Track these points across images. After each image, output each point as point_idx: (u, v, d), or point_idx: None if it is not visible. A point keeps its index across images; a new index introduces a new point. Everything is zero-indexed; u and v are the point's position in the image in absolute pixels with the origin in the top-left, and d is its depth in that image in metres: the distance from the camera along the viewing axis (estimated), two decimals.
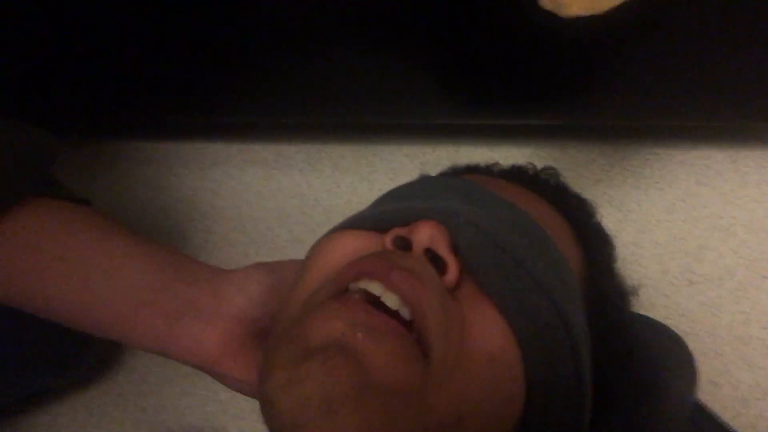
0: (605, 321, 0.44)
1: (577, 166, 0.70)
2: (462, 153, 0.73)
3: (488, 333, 0.36)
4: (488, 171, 0.53)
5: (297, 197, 0.76)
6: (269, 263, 0.49)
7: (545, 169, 0.54)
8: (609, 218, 0.67)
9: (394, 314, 0.35)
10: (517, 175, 0.51)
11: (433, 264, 0.37)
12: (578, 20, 0.45)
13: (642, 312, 0.57)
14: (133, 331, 0.48)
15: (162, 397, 0.72)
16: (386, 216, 0.41)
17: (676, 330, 0.55)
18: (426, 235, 0.37)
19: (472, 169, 0.53)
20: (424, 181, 0.48)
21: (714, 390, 0.59)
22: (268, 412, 0.33)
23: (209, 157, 0.80)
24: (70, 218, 0.49)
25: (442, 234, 0.37)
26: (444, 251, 0.37)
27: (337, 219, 0.43)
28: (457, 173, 0.53)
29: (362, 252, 0.38)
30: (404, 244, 0.38)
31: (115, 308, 0.47)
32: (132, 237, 0.49)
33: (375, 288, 0.35)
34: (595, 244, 0.48)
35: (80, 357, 0.69)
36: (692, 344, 0.57)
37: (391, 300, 0.35)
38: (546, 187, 0.50)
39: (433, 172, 0.54)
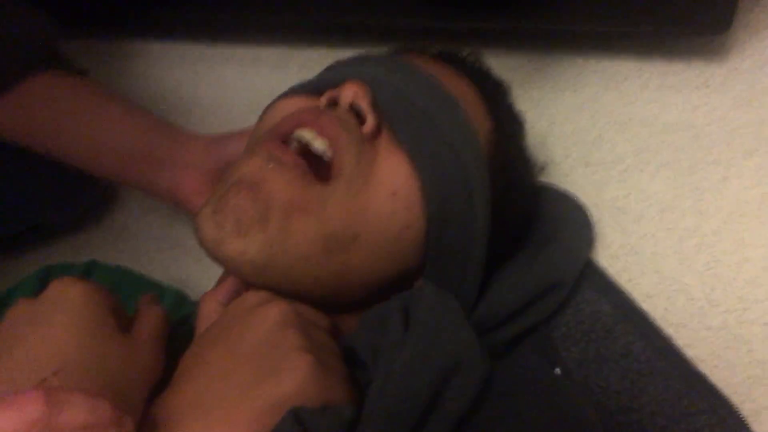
0: (507, 178, 0.55)
1: (506, 70, 0.81)
2: None
3: (395, 171, 0.48)
4: (422, 52, 0.63)
5: (266, 91, 0.89)
6: (234, 131, 0.64)
7: (471, 53, 0.66)
8: (528, 114, 0.78)
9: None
10: (446, 56, 0.62)
11: (357, 117, 0.49)
12: None
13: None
14: (127, 174, 0.63)
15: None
16: (322, 82, 0.53)
17: None
18: (350, 92, 0.48)
19: (409, 50, 0.63)
20: (359, 56, 0.60)
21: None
22: (198, 236, 0.46)
23: (192, 55, 0.93)
24: (76, 86, 0.64)
25: (363, 92, 0.48)
26: (365, 105, 0.48)
27: None
28: (394, 53, 0.64)
29: (296, 109, 0.51)
30: (334, 102, 0.50)
31: (114, 156, 0.62)
32: (125, 102, 0.64)
33: (307, 134, 0.48)
34: (505, 119, 0.59)
35: (79, 194, 0.79)
36: None
37: (318, 143, 0.47)
38: (469, 68, 0.60)
39: None
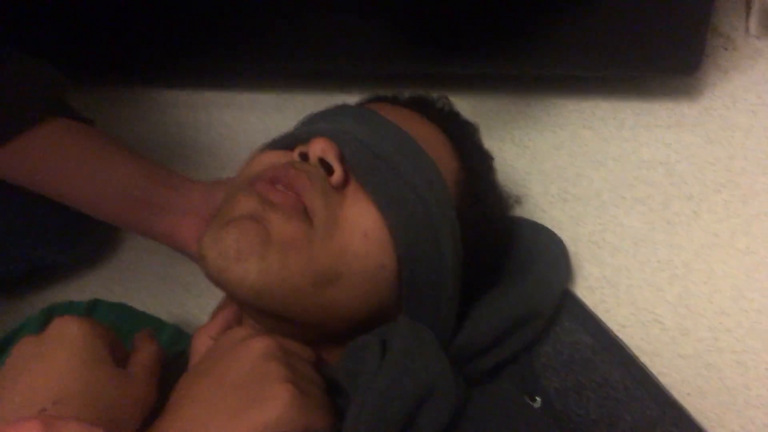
0: (477, 213, 0.60)
1: (489, 112, 0.87)
2: None
3: (364, 217, 0.52)
4: (394, 100, 0.67)
5: (263, 134, 0.94)
6: (225, 178, 0.68)
7: (441, 98, 0.70)
8: (509, 152, 0.83)
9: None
10: (414, 102, 0.66)
11: (327, 169, 0.53)
12: None
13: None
14: (128, 219, 0.68)
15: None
16: (295, 137, 0.58)
17: None
18: (318, 148, 0.53)
19: (380, 99, 0.68)
20: (330, 108, 0.64)
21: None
22: (202, 264, 0.50)
23: (193, 101, 0.98)
24: (80, 134, 0.68)
25: (331, 147, 0.53)
26: (332, 159, 0.53)
27: None
28: (364, 102, 0.68)
29: (269, 165, 0.56)
30: (305, 157, 0.55)
31: (115, 202, 0.67)
32: (127, 150, 0.68)
33: (275, 192, 0.52)
34: (472, 157, 0.63)
35: (83, 236, 0.81)
36: None
37: (281, 197, 0.51)
38: (436, 112, 0.65)
39: None
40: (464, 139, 0.64)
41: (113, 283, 0.87)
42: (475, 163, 0.63)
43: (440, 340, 0.52)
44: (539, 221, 0.73)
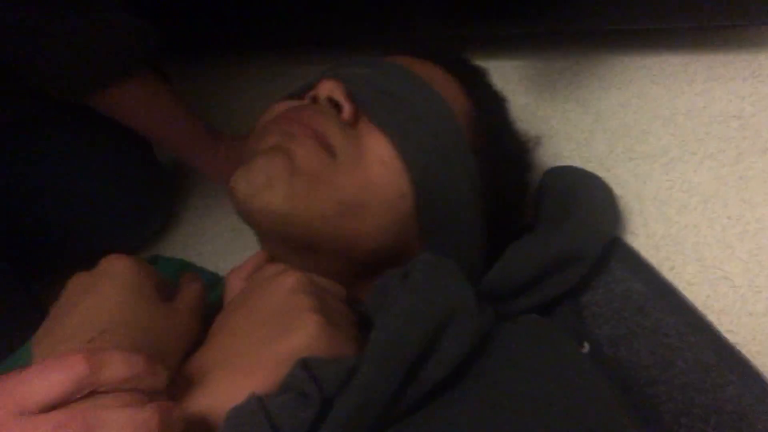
0: (493, 150, 0.60)
1: (555, 72, 0.85)
2: None
3: (378, 146, 0.53)
4: (403, 51, 0.66)
5: None
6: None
7: (451, 47, 0.69)
8: (572, 112, 0.81)
9: None
10: (425, 51, 0.65)
11: (336, 108, 0.55)
12: None
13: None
14: (195, 155, 0.80)
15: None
16: (305, 86, 0.60)
17: None
18: (326, 88, 0.55)
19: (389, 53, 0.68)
20: (339, 61, 0.65)
21: (632, 239, 0.70)
22: (232, 198, 0.53)
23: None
24: (162, 87, 0.76)
25: (337, 86, 0.55)
26: (339, 96, 0.55)
27: None
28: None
29: (287, 107, 0.58)
30: (315, 99, 0.56)
31: (184, 140, 0.78)
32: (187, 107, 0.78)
33: (295, 127, 0.53)
34: (485, 97, 0.64)
35: (145, 221, 0.89)
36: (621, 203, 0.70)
37: (303, 130, 0.53)
38: (444, 58, 0.65)
39: None
40: (475, 81, 0.64)
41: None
42: (488, 103, 0.63)
43: (468, 276, 0.51)
44: (602, 177, 0.71)
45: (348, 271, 0.54)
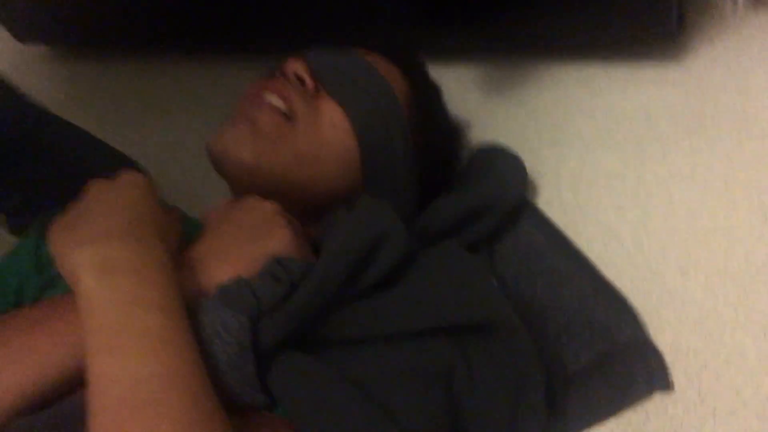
0: (425, 121, 0.78)
1: (499, 76, 1.02)
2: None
3: (332, 112, 0.71)
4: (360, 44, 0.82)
5: None
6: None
7: (396, 40, 0.86)
8: (511, 109, 0.98)
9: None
10: (377, 45, 0.81)
11: (300, 82, 0.72)
12: None
13: None
14: None
15: None
16: (275, 66, 0.76)
17: None
18: (292, 65, 0.73)
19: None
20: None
21: (546, 206, 0.86)
22: (209, 153, 0.70)
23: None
24: None
25: (302, 65, 0.73)
26: (302, 72, 0.72)
27: None
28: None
29: (258, 84, 0.73)
30: (284, 74, 0.73)
31: None
32: None
33: (268, 95, 0.70)
34: (420, 81, 0.81)
35: None
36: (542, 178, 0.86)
37: (275, 99, 0.70)
38: (391, 49, 0.81)
39: None
40: (413, 70, 0.81)
41: None
42: (422, 86, 0.80)
43: (402, 220, 0.66)
44: (529, 158, 0.87)
45: (304, 211, 0.71)
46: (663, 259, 0.78)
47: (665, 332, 0.73)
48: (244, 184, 0.69)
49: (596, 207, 0.84)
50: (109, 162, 0.92)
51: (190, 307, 0.54)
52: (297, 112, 0.69)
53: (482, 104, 0.99)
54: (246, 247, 0.61)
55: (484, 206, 0.75)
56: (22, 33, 1.21)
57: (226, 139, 0.68)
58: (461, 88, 0.99)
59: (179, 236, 0.62)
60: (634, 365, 0.67)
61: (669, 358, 0.70)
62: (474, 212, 0.74)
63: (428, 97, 0.81)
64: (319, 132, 0.69)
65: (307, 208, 0.71)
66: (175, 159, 1.08)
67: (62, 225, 0.55)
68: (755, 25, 0.94)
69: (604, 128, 0.91)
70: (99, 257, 0.50)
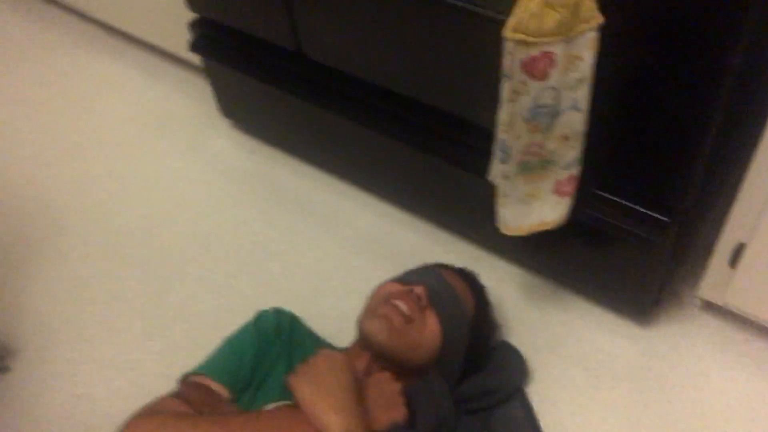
0: (479, 327, 1.32)
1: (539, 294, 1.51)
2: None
3: (432, 322, 1.22)
4: (448, 267, 1.34)
5: None
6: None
7: (469, 270, 1.40)
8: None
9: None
10: (456, 270, 1.34)
11: (418, 298, 1.23)
12: None
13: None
14: None
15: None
16: (406, 279, 1.28)
17: None
18: (419, 290, 1.23)
19: (442, 266, 1.34)
20: (421, 267, 1.35)
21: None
22: (362, 332, 1.16)
23: None
24: None
25: (423, 291, 1.22)
26: (423, 297, 1.16)
27: None
28: (433, 265, 1.33)
29: (396, 290, 1.25)
30: (411, 290, 1.25)
31: None
32: None
33: (399, 303, 1.22)
34: (480, 300, 1.35)
35: None
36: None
37: (404, 306, 1.21)
38: (466, 275, 1.36)
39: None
40: (477, 290, 1.31)
41: None
42: (481, 301, 1.30)
43: (449, 385, 1.18)
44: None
45: (404, 371, 1.13)
46: None
47: None
48: (378, 353, 1.12)
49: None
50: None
51: None
52: (414, 318, 1.13)
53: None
54: (383, 414, 1.04)
55: (497, 389, 1.26)
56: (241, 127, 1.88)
57: (371, 327, 1.12)
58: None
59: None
60: None
61: None
62: (490, 391, 1.26)
63: (485, 312, 1.33)
64: (424, 332, 1.13)
65: (406, 369, 1.14)
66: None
67: (305, 375, 1.04)
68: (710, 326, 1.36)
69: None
70: (344, 427, 0.94)
